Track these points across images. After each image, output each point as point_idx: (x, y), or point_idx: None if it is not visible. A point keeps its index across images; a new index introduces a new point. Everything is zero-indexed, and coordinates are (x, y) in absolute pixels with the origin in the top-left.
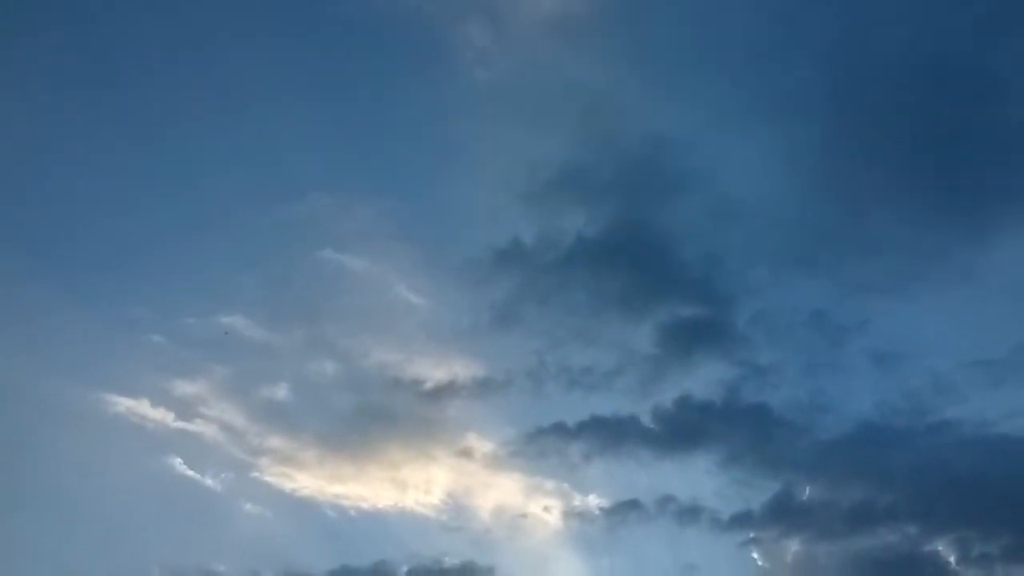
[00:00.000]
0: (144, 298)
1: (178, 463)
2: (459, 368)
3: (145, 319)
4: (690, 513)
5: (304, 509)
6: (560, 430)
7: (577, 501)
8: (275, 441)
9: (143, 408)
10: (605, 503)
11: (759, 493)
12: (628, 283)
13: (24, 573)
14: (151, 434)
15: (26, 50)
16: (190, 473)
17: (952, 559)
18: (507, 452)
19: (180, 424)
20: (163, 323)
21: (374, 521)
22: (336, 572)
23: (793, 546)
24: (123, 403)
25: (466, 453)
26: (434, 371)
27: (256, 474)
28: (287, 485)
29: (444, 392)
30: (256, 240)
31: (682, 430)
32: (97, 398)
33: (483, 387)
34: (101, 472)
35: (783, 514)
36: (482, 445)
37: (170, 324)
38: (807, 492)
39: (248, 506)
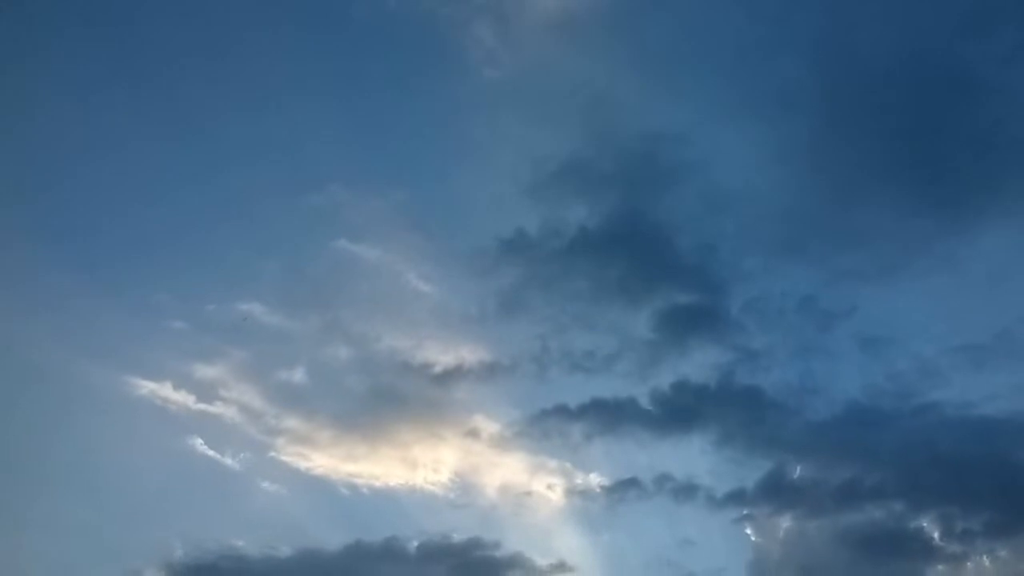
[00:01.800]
0: (166, 286)
1: (199, 443)
2: (466, 352)
3: (167, 306)
4: (686, 491)
5: (319, 487)
6: (563, 412)
7: (579, 479)
8: (291, 422)
9: (166, 391)
10: (605, 481)
11: (752, 472)
12: (627, 271)
13: (54, 546)
14: (173, 416)
15: (56, 49)
16: (210, 453)
17: (936, 535)
18: (512, 433)
19: (201, 406)
20: (185, 310)
21: (386, 498)
22: (350, 547)
23: (785, 522)
24: (147, 386)
25: (473, 434)
26: (443, 355)
27: (273, 454)
28: (303, 464)
29: (452, 375)
30: (274, 230)
31: (679, 412)
32: (122, 381)
33: (489, 371)
34: (126, 451)
35: (775, 492)
36: (488, 426)
37: (191, 310)
38: (798, 471)
39: (266, 484)
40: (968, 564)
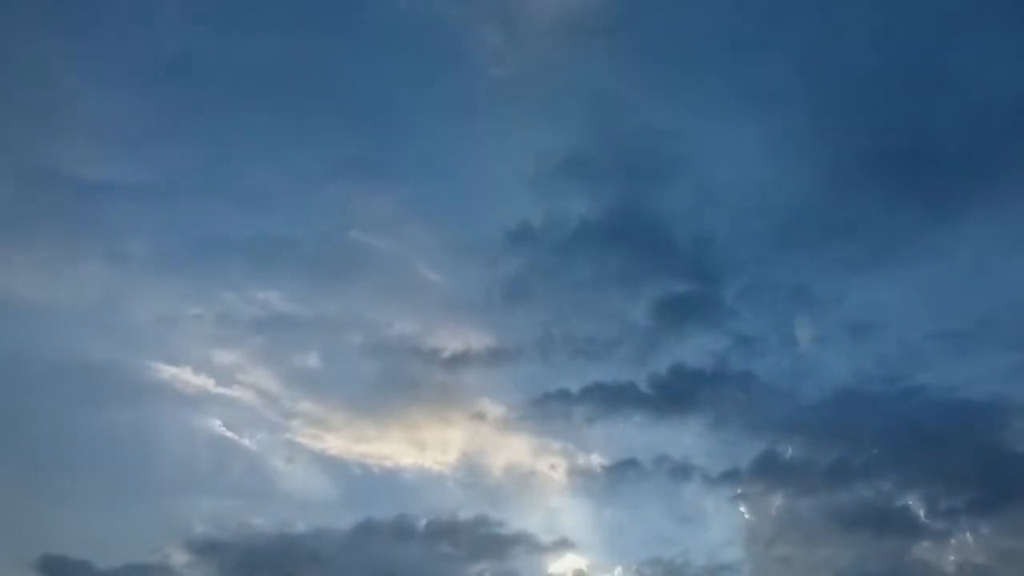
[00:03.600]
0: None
1: (217, 425)
2: (473, 339)
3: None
4: (683, 471)
5: (332, 467)
6: (565, 395)
7: (581, 460)
8: (306, 405)
9: (186, 375)
10: (606, 462)
11: (746, 452)
12: (626, 262)
13: (80, 523)
14: (193, 399)
15: (75, 49)
16: (228, 434)
17: (921, 512)
18: (517, 416)
19: (220, 390)
20: (204, 297)
21: (395, 478)
22: (361, 524)
23: (776, 500)
24: (168, 370)
25: (479, 416)
26: (451, 341)
27: (289, 435)
28: (317, 445)
29: (460, 360)
30: (290, 221)
31: (676, 395)
32: (144, 365)
33: (495, 356)
34: (149, 433)
35: (767, 471)
36: (494, 409)
37: (211, 298)
38: (789, 451)
39: (281, 464)
40: (952, 541)
